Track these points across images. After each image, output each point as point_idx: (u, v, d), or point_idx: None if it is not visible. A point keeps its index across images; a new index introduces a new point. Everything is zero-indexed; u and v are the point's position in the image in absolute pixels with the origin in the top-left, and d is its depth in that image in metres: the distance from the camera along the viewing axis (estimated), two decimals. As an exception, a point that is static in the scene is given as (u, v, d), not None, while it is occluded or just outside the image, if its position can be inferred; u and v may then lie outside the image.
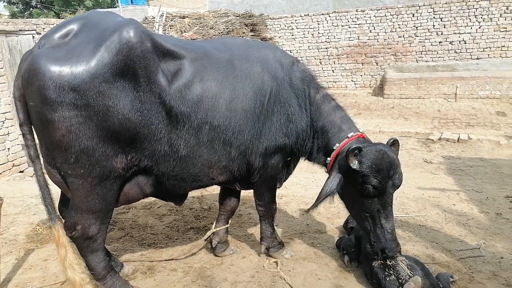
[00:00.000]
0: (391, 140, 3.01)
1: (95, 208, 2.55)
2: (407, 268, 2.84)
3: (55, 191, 2.64)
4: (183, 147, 2.69)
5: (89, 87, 2.31)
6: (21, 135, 2.52)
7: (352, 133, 3.07)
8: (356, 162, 2.79)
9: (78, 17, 2.61)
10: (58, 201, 2.98)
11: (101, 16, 2.61)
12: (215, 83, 2.78)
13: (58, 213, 2.61)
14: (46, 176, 2.59)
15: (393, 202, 2.93)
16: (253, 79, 2.94)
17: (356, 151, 2.78)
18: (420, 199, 4.99)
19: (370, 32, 14.04)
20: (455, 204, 4.81)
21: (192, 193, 5.05)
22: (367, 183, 2.78)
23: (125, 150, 2.52)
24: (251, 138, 2.96)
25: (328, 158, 3.12)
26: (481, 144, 7.83)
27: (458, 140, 8.07)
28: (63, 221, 2.62)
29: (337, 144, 3.06)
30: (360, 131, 3.17)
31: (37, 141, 2.53)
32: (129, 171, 2.61)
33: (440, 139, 8.26)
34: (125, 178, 2.64)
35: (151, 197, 5.04)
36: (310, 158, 3.35)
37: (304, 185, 5.66)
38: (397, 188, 2.92)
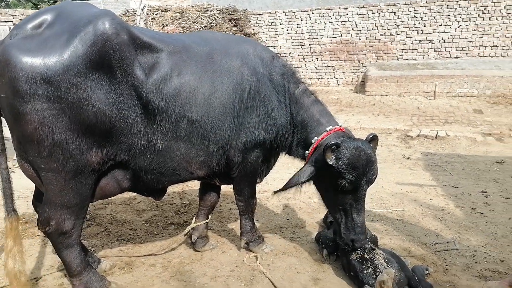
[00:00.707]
0: (370, 136, 3.04)
1: (70, 203, 2.49)
2: (384, 261, 2.89)
3: (31, 186, 2.58)
4: (160, 141, 2.66)
5: (62, 79, 2.26)
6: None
7: (331, 127, 3.10)
8: (333, 158, 2.82)
9: (52, 7, 2.53)
10: (32, 196, 2.91)
11: (76, 7, 2.54)
12: (193, 77, 2.75)
13: (15, 207, 2.56)
14: (19, 171, 2.52)
15: (365, 197, 2.98)
16: (232, 74, 2.92)
17: (334, 147, 2.80)
18: (398, 194, 5.08)
19: (353, 29, 14.16)
20: (431, 199, 4.92)
21: (173, 188, 5.01)
22: (342, 178, 2.82)
23: (100, 144, 2.47)
24: (230, 133, 2.95)
25: (307, 151, 3.14)
26: (458, 141, 8.02)
27: (436, 137, 8.24)
28: (19, 216, 2.58)
29: (316, 138, 3.09)
30: (339, 124, 3.19)
31: (6, 134, 2.46)
32: (105, 165, 2.57)
33: (419, 135, 8.42)
34: (101, 172, 2.59)
35: (130, 193, 4.98)
36: (290, 152, 3.36)
37: (285, 180, 5.66)
38: (371, 184, 2.96)
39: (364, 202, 2.96)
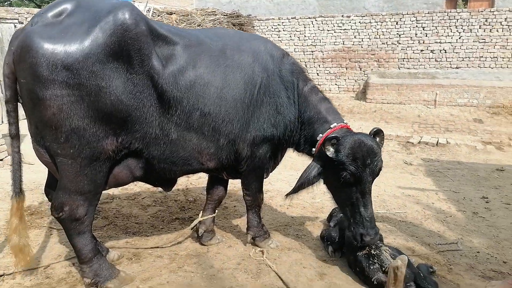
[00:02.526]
0: (374, 129, 3.04)
1: (84, 190, 2.53)
2: (391, 257, 2.92)
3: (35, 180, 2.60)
4: (173, 131, 2.70)
5: (82, 67, 2.31)
6: (6, 112, 2.49)
7: (335, 124, 3.15)
8: (333, 150, 2.87)
9: (71, -3, 2.58)
10: (44, 183, 2.94)
11: (95, -3, 2.60)
12: (207, 70, 2.81)
13: (23, 189, 2.64)
14: (35, 156, 2.56)
15: (371, 190, 2.97)
16: (244, 69, 2.98)
17: (333, 141, 2.86)
18: (401, 197, 5.13)
19: (355, 37, 14.30)
20: (433, 202, 4.97)
21: (177, 186, 5.04)
22: (344, 170, 2.86)
23: (116, 132, 2.51)
24: (240, 127, 3.00)
25: (313, 149, 3.19)
26: (459, 149, 8.09)
27: (437, 144, 8.32)
28: (25, 196, 2.67)
29: (321, 135, 3.14)
30: (345, 122, 3.24)
31: (21, 119, 2.50)
32: (119, 153, 2.60)
33: (419, 142, 8.49)
34: (115, 160, 2.63)
35: (135, 188, 5.00)
36: (298, 148, 3.41)
37: (288, 181, 5.71)
38: (376, 176, 2.97)
39: (370, 195, 2.97)
